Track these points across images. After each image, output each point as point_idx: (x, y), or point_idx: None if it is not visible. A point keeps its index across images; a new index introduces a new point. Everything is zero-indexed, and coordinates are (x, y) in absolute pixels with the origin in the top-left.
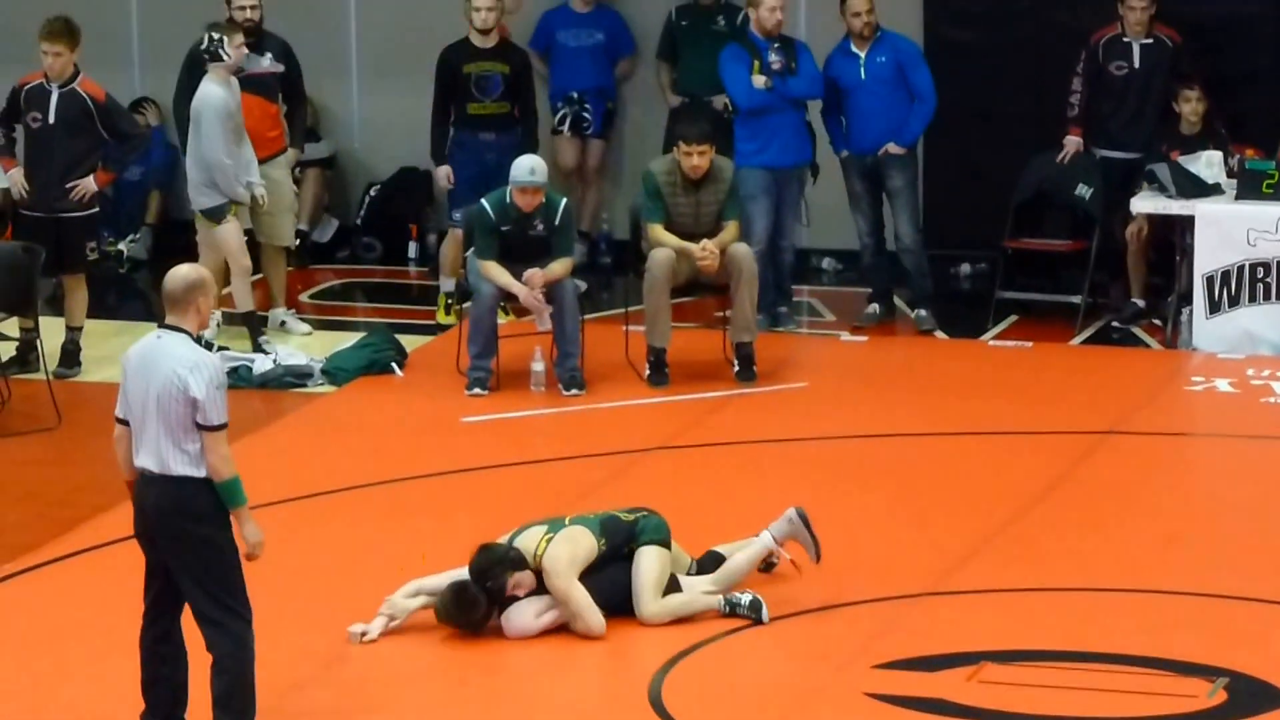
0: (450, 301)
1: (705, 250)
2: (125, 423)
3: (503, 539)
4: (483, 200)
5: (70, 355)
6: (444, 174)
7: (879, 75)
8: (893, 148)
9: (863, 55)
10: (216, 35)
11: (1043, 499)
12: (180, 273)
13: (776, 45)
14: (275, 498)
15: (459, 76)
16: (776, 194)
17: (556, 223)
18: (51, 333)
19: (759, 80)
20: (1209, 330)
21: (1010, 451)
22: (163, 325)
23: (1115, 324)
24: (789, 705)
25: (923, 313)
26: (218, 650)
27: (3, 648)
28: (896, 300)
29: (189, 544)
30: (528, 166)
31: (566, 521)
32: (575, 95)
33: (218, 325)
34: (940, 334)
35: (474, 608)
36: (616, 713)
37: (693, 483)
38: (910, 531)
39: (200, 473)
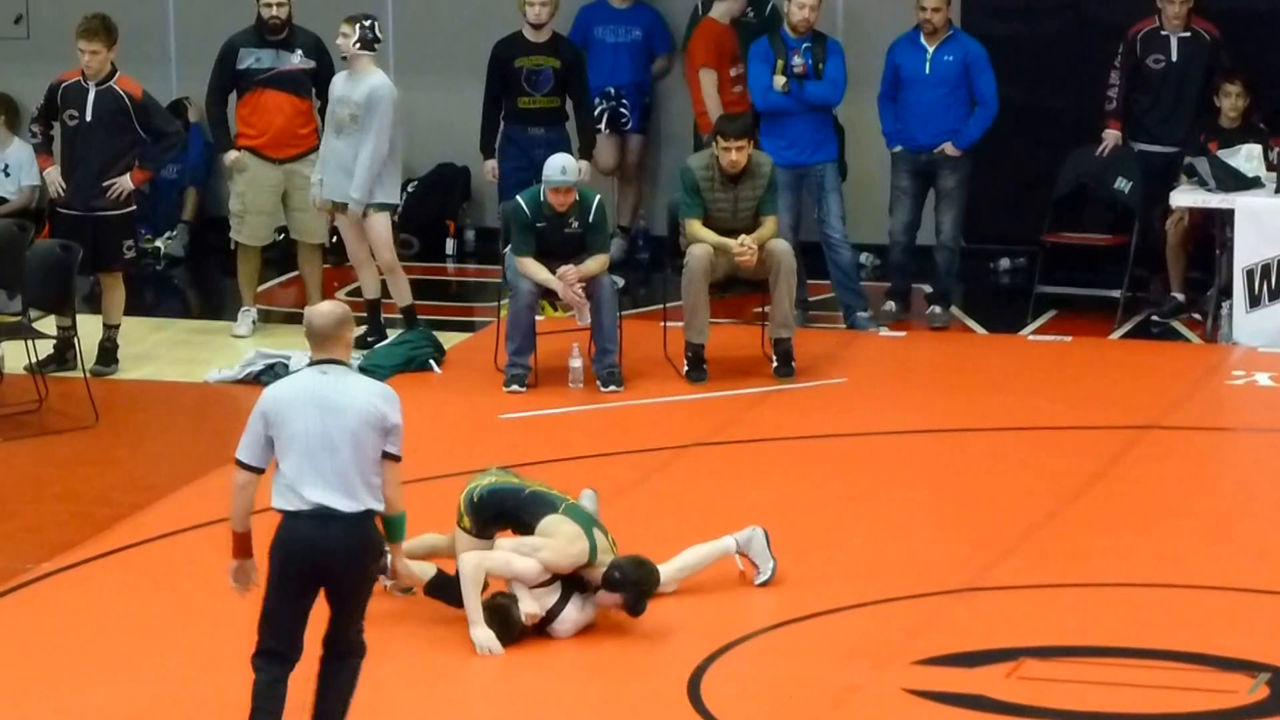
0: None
1: (743, 246)
2: (256, 469)
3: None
4: (518, 197)
5: (108, 353)
6: (490, 168)
7: (943, 73)
8: (950, 149)
9: (930, 50)
10: (367, 23)
11: (1083, 494)
12: (324, 309)
13: (806, 45)
14: None
15: (510, 70)
16: (798, 191)
17: (591, 219)
18: (89, 331)
19: (778, 82)
20: (1249, 324)
21: (1050, 447)
22: (319, 361)
23: (1155, 318)
24: (828, 702)
25: (937, 309)
26: (352, 669)
27: (40, 646)
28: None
29: (366, 578)
30: (559, 166)
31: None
32: (612, 91)
33: (253, 323)
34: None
35: (515, 632)
36: (657, 709)
37: (731, 479)
38: (950, 527)
39: (380, 506)
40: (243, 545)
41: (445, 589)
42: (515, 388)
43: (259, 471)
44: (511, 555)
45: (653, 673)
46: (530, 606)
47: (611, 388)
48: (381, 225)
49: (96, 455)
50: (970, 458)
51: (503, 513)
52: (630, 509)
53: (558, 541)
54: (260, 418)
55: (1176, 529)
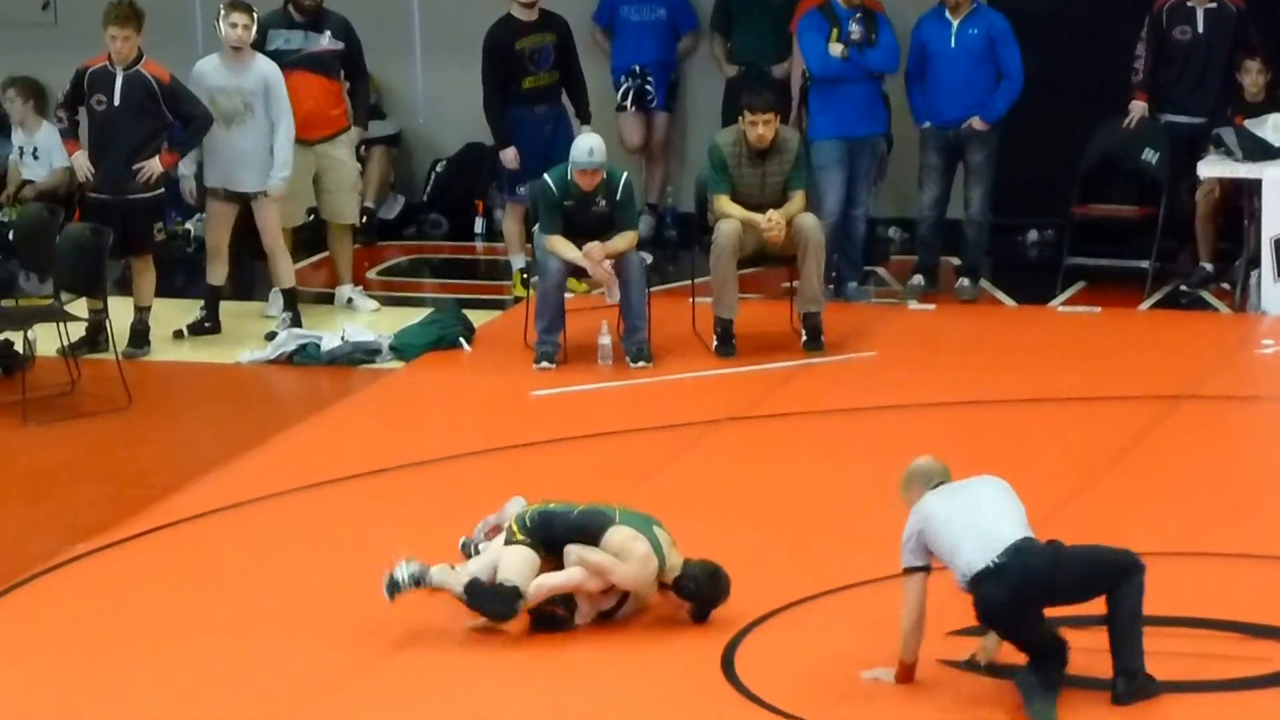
0: (525, 275)
1: (771, 221)
2: (926, 570)
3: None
4: (545, 176)
5: (139, 335)
6: (512, 155)
7: (968, 47)
8: (977, 123)
9: (955, 24)
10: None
11: (1113, 465)
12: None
13: (858, 15)
14: (344, 474)
15: (511, 54)
16: (850, 165)
17: (618, 197)
18: (120, 313)
19: (835, 49)
20: (1278, 293)
21: (1080, 418)
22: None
23: (1184, 289)
24: (860, 671)
25: (965, 282)
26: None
27: (76, 628)
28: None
29: None
30: (586, 148)
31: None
32: (638, 69)
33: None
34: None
35: (555, 624)
36: (692, 685)
37: (761, 453)
38: None
39: None
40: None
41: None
42: (545, 365)
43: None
44: (584, 575)
45: (686, 649)
46: (587, 614)
47: (641, 364)
48: (276, 208)
49: (129, 437)
50: (1000, 430)
51: (556, 534)
52: (660, 485)
53: (632, 566)
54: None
55: (1207, 498)
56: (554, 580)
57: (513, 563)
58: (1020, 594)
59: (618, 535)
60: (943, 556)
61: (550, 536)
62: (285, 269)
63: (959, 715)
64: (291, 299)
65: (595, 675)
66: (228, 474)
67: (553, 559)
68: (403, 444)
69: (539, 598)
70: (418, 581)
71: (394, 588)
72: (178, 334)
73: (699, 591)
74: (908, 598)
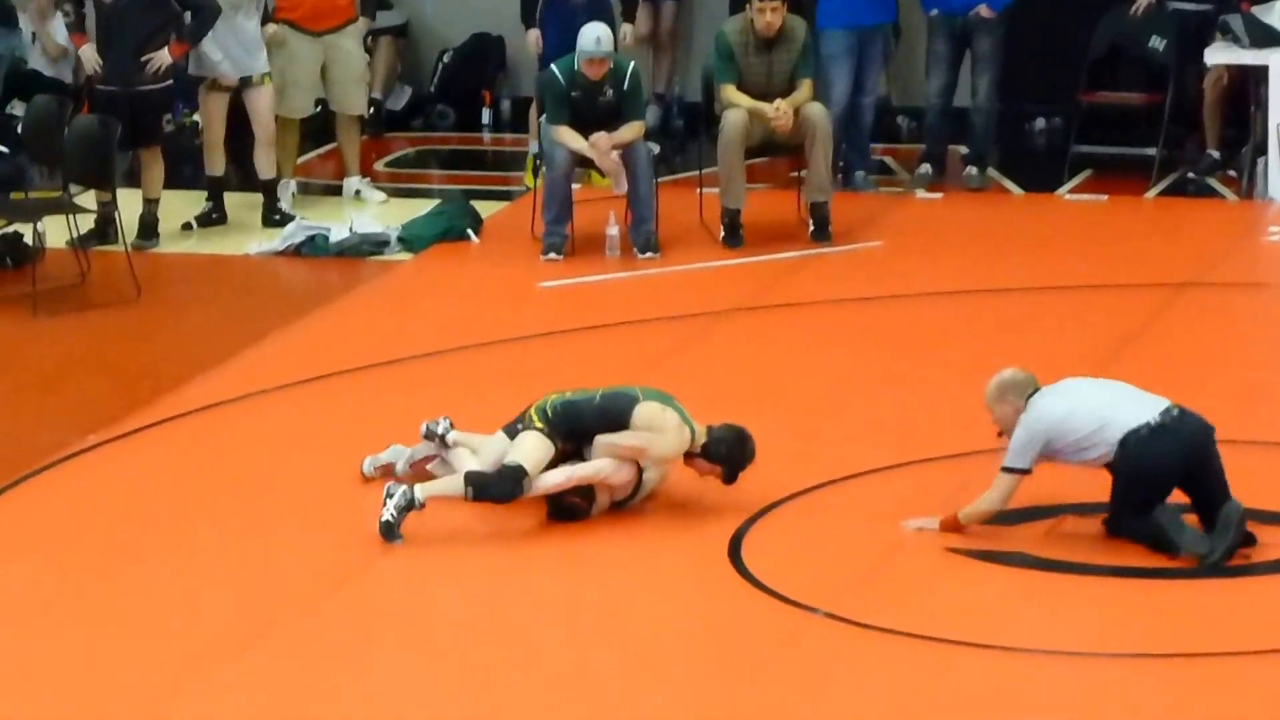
0: (538, 163)
1: (779, 110)
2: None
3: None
4: (553, 66)
5: (148, 227)
6: (534, 38)
7: None
8: (984, 11)
9: None
10: None
11: (1121, 352)
12: None
13: None
14: (353, 365)
15: None
16: (859, 54)
17: (625, 87)
18: (129, 205)
19: None
20: None
21: (1088, 306)
22: None
23: (1191, 176)
24: (869, 561)
25: (973, 170)
26: None
27: (87, 519)
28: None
29: None
30: (593, 36)
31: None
32: None
33: (293, 195)
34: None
35: (573, 515)
36: (699, 573)
37: (769, 344)
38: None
39: None
40: None
41: (492, 479)
42: (552, 256)
43: None
44: (613, 465)
45: (693, 538)
46: (603, 505)
47: (648, 255)
48: (269, 95)
49: (139, 329)
50: (1008, 318)
51: (581, 425)
52: (668, 375)
53: (669, 437)
54: None
55: (1215, 385)
56: (582, 471)
57: (525, 448)
58: (1187, 451)
59: (646, 410)
60: (1083, 442)
61: (576, 428)
62: (268, 161)
63: (964, 603)
64: (270, 190)
65: (605, 565)
66: (237, 366)
67: (571, 448)
68: (411, 335)
69: (566, 486)
70: (408, 509)
71: (390, 532)
72: (186, 226)
73: (730, 454)
74: (996, 492)
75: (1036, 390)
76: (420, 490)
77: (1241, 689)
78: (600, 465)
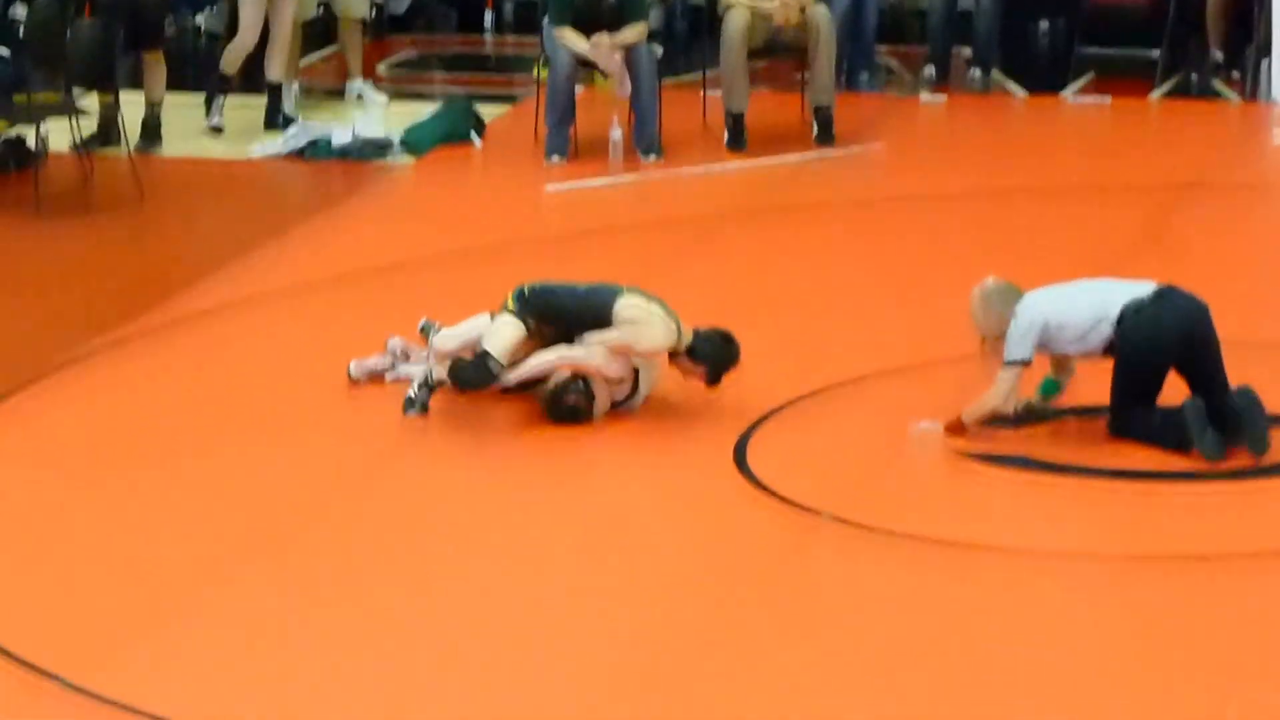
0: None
1: (782, 3)
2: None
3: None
4: None
5: (151, 130)
6: None
7: None
8: None
9: None
10: None
11: (1125, 254)
12: None
13: None
14: (359, 267)
15: None
16: None
17: None
18: (132, 108)
19: None
20: None
21: (1091, 208)
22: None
23: (1194, 78)
24: (873, 464)
25: (976, 73)
26: None
27: (91, 423)
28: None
29: None
30: None
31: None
32: None
33: (296, 98)
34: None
35: (575, 416)
36: (703, 477)
37: (772, 247)
38: None
39: None
40: None
41: (465, 366)
42: (555, 159)
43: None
44: (605, 356)
45: (698, 443)
46: (604, 405)
47: (652, 158)
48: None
49: (143, 232)
50: (1011, 221)
51: (558, 312)
52: (671, 279)
53: (655, 330)
54: None
55: (1219, 286)
56: (573, 354)
57: (492, 331)
58: (1183, 324)
59: (629, 303)
60: (1082, 327)
61: (550, 313)
62: (280, 64)
63: (968, 506)
64: (276, 92)
65: (609, 472)
66: (240, 269)
67: (550, 333)
68: (413, 239)
69: (555, 368)
70: (431, 388)
71: (410, 405)
72: (216, 130)
73: (713, 354)
74: (1002, 385)
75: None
76: (437, 371)
77: (1245, 592)
78: (591, 352)
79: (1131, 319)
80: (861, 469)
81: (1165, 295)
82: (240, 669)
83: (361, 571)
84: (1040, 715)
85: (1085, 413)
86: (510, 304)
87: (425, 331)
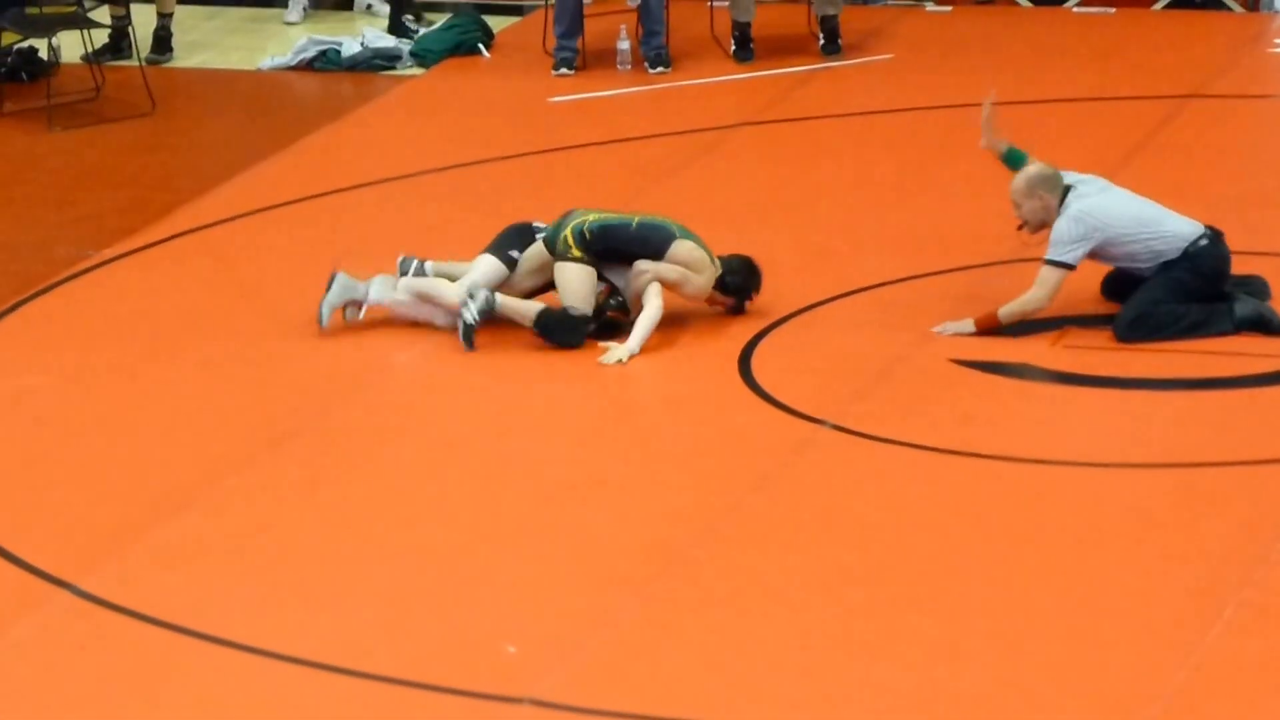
0: None
1: None
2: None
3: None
4: None
5: (162, 41)
6: None
7: None
8: None
9: None
10: None
11: (1126, 163)
12: None
13: None
14: (367, 179)
15: None
16: None
17: None
18: (143, 20)
19: None
20: None
21: (1095, 117)
22: None
23: None
24: (874, 372)
25: None
26: None
27: (105, 330)
28: None
29: None
30: None
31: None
32: None
33: (304, 10)
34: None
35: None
36: (708, 385)
37: (779, 157)
38: (995, 200)
39: None
40: None
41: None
42: (564, 71)
43: None
44: (659, 304)
45: (702, 350)
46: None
47: (659, 69)
48: None
49: (154, 143)
50: (1016, 130)
51: (616, 249)
52: (679, 189)
53: (704, 277)
54: None
55: (1219, 194)
56: (653, 322)
57: (575, 287)
58: (1227, 262)
59: (683, 248)
60: (1138, 242)
61: (610, 249)
62: None
63: (969, 414)
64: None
65: (615, 376)
66: (251, 179)
67: (608, 268)
68: (423, 150)
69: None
70: (489, 312)
71: (470, 335)
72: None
73: (742, 285)
74: (1044, 287)
75: (1069, 188)
76: (499, 299)
77: (1248, 498)
78: (656, 309)
79: (1201, 251)
80: (864, 377)
81: (1219, 238)
82: (242, 569)
83: (369, 466)
84: (1029, 616)
85: (1086, 321)
86: (575, 248)
87: (404, 267)
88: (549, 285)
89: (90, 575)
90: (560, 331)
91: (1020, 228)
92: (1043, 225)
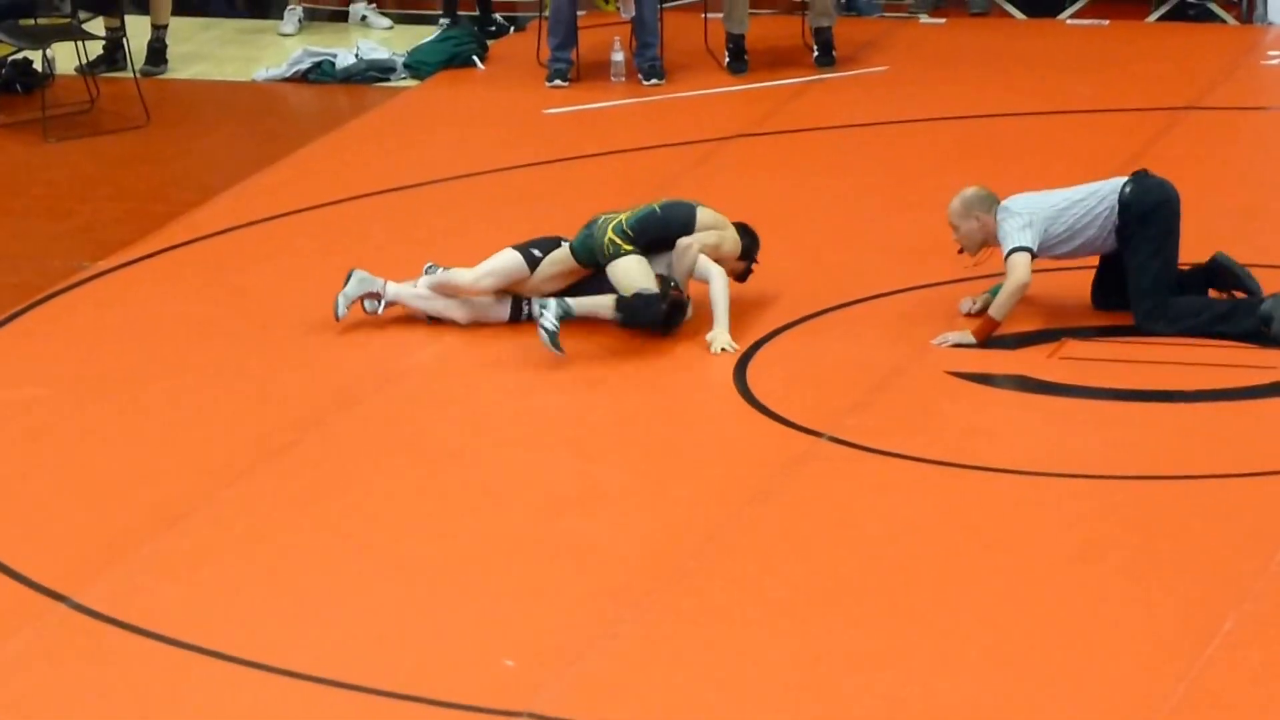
0: None
1: None
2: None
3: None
4: None
5: (157, 53)
6: None
7: None
8: None
9: None
10: None
11: (1120, 173)
12: None
13: None
14: (360, 191)
15: None
16: None
17: None
18: (138, 31)
19: None
20: None
21: (1089, 129)
22: None
23: (1191, 0)
24: (870, 384)
25: None
26: None
27: (98, 342)
28: None
29: None
30: None
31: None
32: None
33: (299, 21)
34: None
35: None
36: (703, 394)
37: (774, 169)
38: None
39: None
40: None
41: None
42: (558, 82)
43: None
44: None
45: (699, 359)
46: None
47: (653, 81)
48: None
49: (148, 154)
50: (1010, 142)
51: (656, 236)
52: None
53: (732, 233)
54: None
55: (1214, 207)
56: (723, 295)
57: (635, 273)
58: (1164, 188)
59: (706, 213)
60: (1073, 209)
61: (651, 239)
62: None
63: (966, 426)
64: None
65: (612, 388)
66: (246, 190)
67: (651, 260)
68: (417, 162)
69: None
70: (566, 317)
71: (555, 341)
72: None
73: (749, 248)
74: (1016, 271)
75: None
76: (574, 303)
77: (1248, 510)
78: (719, 277)
79: (1133, 191)
80: (861, 389)
81: (1147, 173)
82: (241, 582)
83: (366, 478)
84: (1029, 628)
85: (1082, 333)
86: (624, 244)
87: (428, 272)
88: (567, 290)
89: (87, 588)
90: (644, 312)
91: (961, 251)
92: (982, 245)
